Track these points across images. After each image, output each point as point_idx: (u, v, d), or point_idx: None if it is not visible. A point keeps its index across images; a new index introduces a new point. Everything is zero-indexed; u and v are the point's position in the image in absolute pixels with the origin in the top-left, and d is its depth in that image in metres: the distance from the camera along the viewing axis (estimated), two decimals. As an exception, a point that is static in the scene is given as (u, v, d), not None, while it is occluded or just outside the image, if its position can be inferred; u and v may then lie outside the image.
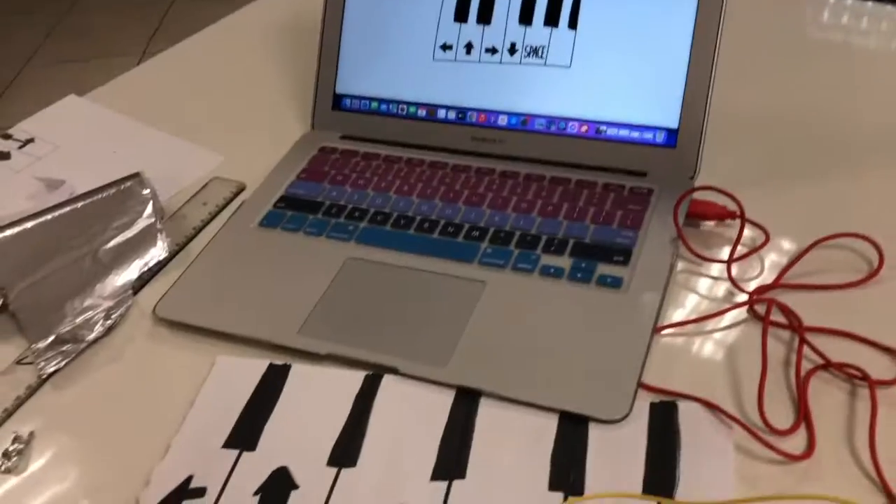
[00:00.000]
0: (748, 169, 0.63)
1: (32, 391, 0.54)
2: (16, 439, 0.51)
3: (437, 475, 0.45)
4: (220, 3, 0.96)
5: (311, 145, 0.70)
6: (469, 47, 0.67)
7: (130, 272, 0.61)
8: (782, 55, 0.77)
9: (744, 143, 0.66)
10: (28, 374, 0.55)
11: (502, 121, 0.67)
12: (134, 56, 2.54)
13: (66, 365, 0.55)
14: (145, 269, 0.61)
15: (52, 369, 0.55)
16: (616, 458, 0.45)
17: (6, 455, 0.50)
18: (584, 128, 0.64)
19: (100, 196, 0.65)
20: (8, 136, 0.80)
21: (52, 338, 0.56)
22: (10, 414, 0.53)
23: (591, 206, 0.60)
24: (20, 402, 0.54)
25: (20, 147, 0.78)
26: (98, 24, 2.90)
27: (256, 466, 0.47)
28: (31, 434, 0.52)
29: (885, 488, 0.42)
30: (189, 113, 0.80)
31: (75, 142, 0.78)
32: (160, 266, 0.62)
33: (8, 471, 0.50)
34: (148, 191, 0.65)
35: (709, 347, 0.51)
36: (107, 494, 0.47)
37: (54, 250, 0.62)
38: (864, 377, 0.47)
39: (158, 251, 0.62)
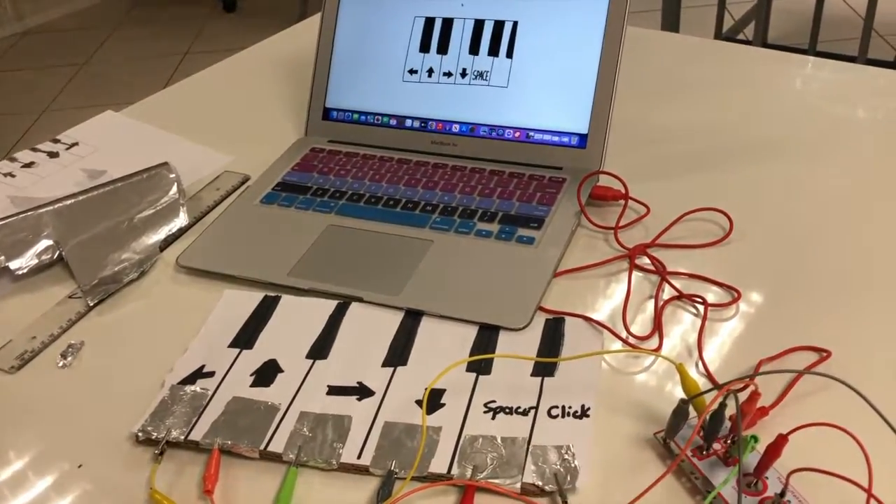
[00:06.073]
0: (640, 164, 0.82)
1: (82, 315, 0.71)
2: (70, 346, 0.68)
3: (386, 363, 0.62)
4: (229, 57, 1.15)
5: (303, 146, 0.88)
6: (430, 71, 0.86)
7: (158, 234, 0.78)
8: (674, 83, 0.96)
9: (639, 146, 0.85)
10: (78, 304, 0.72)
11: (455, 128, 0.85)
12: (147, 102, 2.74)
13: (107, 297, 0.72)
14: (170, 233, 0.78)
15: (97, 300, 0.71)
16: (517, 353, 0.62)
17: (64, 355, 0.67)
18: (517, 133, 0.82)
19: (136, 178, 0.82)
20: (57, 141, 0.98)
21: (96, 280, 0.73)
22: (65, 330, 0.69)
23: (518, 190, 0.78)
24: (73, 323, 0.70)
25: (67, 149, 0.96)
26: (112, 75, 3.13)
27: (253, 358, 0.63)
28: (82, 343, 0.68)
29: (705, 369, 0.59)
30: (206, 125, 0.98)
31: (112, 145, 0.96)
32: (181, 232, 0.79)
33: (65, 366, 0.66)
34: (173, 175, 0.83)
35: (594, 286, 0.68)
36: (139, 381, 0.63)
37: (100, 217, 0.79)
38: (703, 302, 0.64)
39: (181, 220, 0.79)
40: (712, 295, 0.66)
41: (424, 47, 0.86)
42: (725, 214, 0.73)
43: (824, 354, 0.59)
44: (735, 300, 0.65)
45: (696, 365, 0.60)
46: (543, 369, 0.60)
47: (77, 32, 3.54)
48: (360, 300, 0.68)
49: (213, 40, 3.35)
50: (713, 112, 0.91)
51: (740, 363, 0.60)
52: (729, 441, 0.51)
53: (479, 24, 0.84)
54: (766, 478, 0.49)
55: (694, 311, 0.65)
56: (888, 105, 0.91)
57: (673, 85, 0.97)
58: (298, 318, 0.67)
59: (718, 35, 2.08)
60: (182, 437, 0.57)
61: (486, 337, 0.63)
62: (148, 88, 2.98)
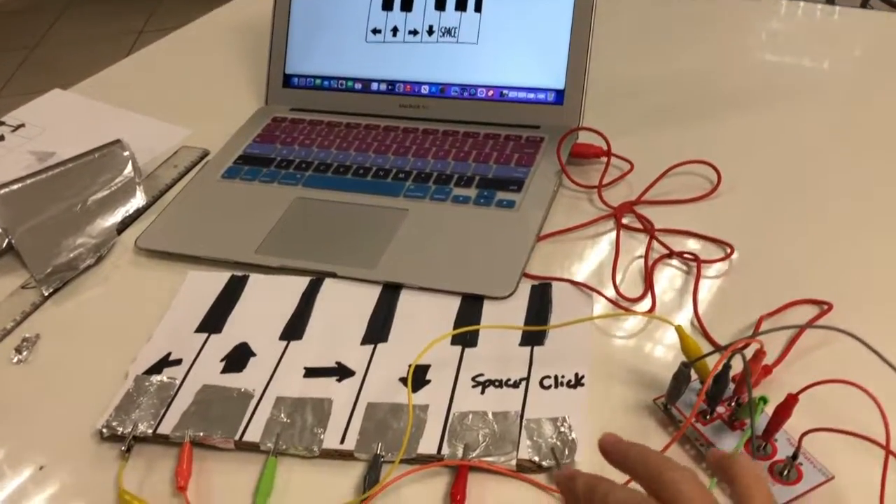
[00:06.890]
0: (621, 118, 0.78)
1: (37, 307, 0.66)
2: (25, 340, 0.63)
3: (365, 341, 0.58)
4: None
5: (264, 116, 0.83)
6: (395, 30, 0.81)
7: (115, 217, 0.73)
8: (649, 34, 0.92)
9: (618, 99, 0.81)
10: (32, 294, 0.67)
11: (424, 90, 0.80)
12: (102, 83, 2.65)
13: (63, 286, 0.67)
14: (126, 214, 0.73)
15: (52, 289, 0.67)
16: (503, 322, 0.58)
17: (18, 350, 0.62)
18: (490, 92, 0.78)
19: (87, 158, 0.77)
20: (1, 123, 0.92)
21: (50, 268, 0.68)
22: (18, 323, 0.65)
23: (494, 152, 0.74)
24: (27, 315, 0.65)
25: (12, 131, 0.91)
26: (65, 58, 3.02)
27: (222, 343, 0.59)
28: (38, 336, 0.63)
29: (701, 329, 0.56)
30: (160, 99, 0.92)
31: (61, 124, 0.90)
32: (139, 213, 0.74)
33: (20, 362, 0.61)
34: (127, 153, 0.78)
35: (580, 248, 0.65)
36: (101, 373, 0.59)
37: (50, 201, 0.74)
38: (696, 258, 0.61)
39: (137, 200, 0.75)
40: (704, 251, 0.63)
41: (387, 4, 0.81)
42: (712, 166, 0.70)
43: (825, 307, 0.56)
44: (728, 255, 0.62)
45: (692, 324, 0.57)
46: (532, 338, 0.57)
47: (24, 15, 3.41)
48: (333, 275, 0.64)
49: (169, 16, 3.25)
50: (690, 60, 0.87)
51: (737, 320, 0.57)
52: (734, 404, 0.48)
53: (444, -22, 0.79)
54: (776, 440, 0.46)
55: (686, 268, 0.62)
56: (864, 44, 0.88)
57: (647, 33, 0.93)
58: (269, 298, 0.63)
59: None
60: (150, 431, 0.53)
61: (470, 307, 0.60)
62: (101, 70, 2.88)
